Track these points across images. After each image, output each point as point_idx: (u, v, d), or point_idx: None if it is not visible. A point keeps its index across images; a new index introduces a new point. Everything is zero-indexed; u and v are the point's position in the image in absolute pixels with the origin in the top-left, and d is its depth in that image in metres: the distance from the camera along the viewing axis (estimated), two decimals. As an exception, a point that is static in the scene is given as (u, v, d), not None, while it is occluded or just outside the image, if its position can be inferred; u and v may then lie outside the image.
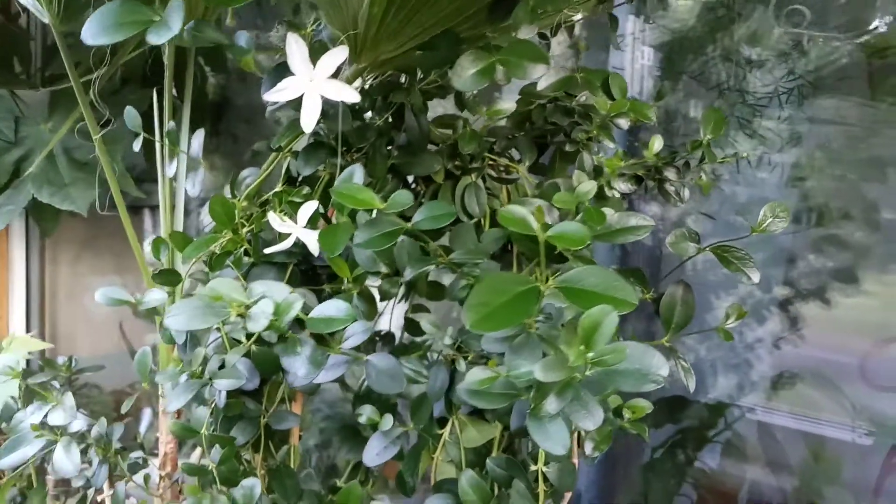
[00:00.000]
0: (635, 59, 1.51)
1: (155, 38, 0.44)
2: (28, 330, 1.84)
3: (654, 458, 1.17)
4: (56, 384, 1.33)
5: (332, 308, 0.46)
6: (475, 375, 0.44)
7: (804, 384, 1.16)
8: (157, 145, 0.85)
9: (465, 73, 0.48)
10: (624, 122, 0.64)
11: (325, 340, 0.54)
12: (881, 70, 1.05)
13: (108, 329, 1.91)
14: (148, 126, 0.81)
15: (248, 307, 0.41)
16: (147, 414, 0.83)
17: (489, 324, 0.42)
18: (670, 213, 1.17)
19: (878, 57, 1.04)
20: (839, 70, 1.07)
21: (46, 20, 0.86)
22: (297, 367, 0.48)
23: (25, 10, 1.21)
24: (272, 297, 0.42)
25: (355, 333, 0.52)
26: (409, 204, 0.48)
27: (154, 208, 1.79)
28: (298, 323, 0.50)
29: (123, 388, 1.72)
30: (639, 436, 0.64)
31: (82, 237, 1.88)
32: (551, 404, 0.44)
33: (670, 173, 0.67)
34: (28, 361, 1.66)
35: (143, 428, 0.84)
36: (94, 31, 0.46)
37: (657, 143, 0.59)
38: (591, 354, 0.40)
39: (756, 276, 0.67)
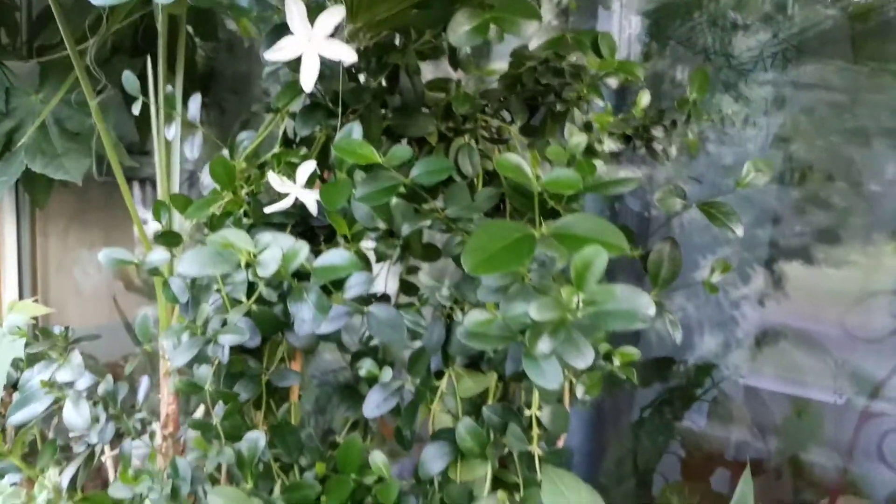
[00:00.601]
0: (623, 27, 1.52)
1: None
2: (21, 300, 1.85)
3: (642, 416, 1.21)
4: (53, 354, 1.35)
5: (336, 257, 0.49)
6: (474, 317, 0.47)
7: (787, 344, 1.20)
8: (153, 111, 0.86)
9: (460, 29, 0.50)
10: (613, 81, 0.66)
11: (327, 291, 0.56)
12: (862, 34, 1.07)
13: (99, 301, 1.92)
14: (141, 94, 0.82)
15: (255, 255, 0.43)
16: (145, 380, 0.85)
17: (487, 267, 0.44)
18: (659, 175, 1.19)
19: (860, 21, 1.06)
20: (823, 34, 1.09)
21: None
22: (304, 312, 0.50)
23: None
24: (279, 246, 0.44)
25: (356, 284, 0.55)
26: (408, 157, 0.50)
27: (143, 180, 1.80)
28: (302, 276, 0.52)
29: (118, 360, 1.74)
30: (630, 389, 0.67)
31: (72, 210, 1.89)
32: (544, 344, 0.47)
33: (658, 132, 0.69)
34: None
35: (142, 392, 0.85)
36: (100, -10, 0.47)
37: (645, 99, 0.61)
38: (582, 294, 0.43)
39: (740, 230, 0.70)
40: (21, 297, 1.83)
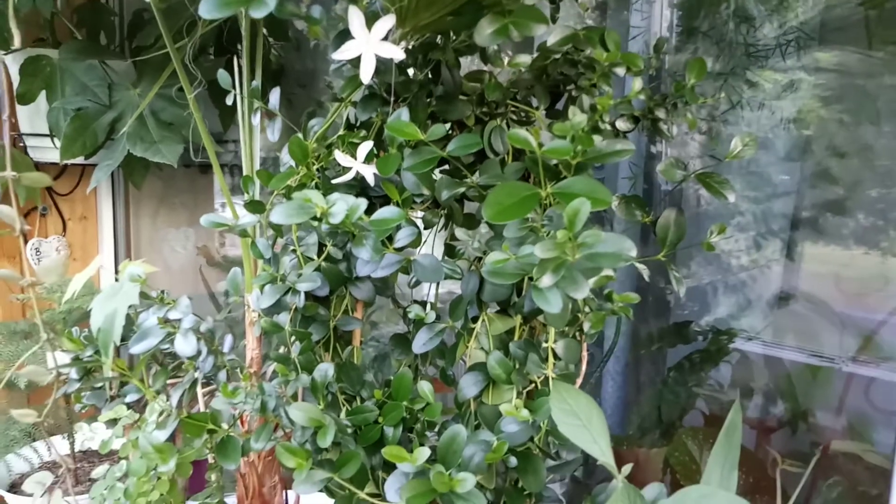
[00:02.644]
0: (662, 18, 1.62)
1: (257, 13, 0.60)
2: (116, 276, 2.08)
3: (668, 375, 1.32)
4: (166, 304, 1.55)
5: (387, 212, 0.63)
6: (493, 257, 0.61)
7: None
8: (238, 102, 1.03)
9: (485, 31, 0.64)
10: (620, 71, 0.79)
11: (385, 242, 0.71)
12: (877, 20, 1.15)
13: (184, 275, 2.14)
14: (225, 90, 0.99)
15: (327, 209, 0.58)
16: (229, 337, 1.01)
17: (503, 216, 0.58)
18: (685, 157, 1.30)
19: (872, 6, 1.14)
20: (837, 20, 1.18)
21: (148, -1, 1.04)
22: (364, 253, 0.65)
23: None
24: (345, 201, 0.59)
25: (404, 237, 0.69)
26: (443, 135, 0.64)
27: (223, 167, 2.00)
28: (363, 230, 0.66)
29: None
30: (655, 354, 0.79)
31: (160, 194, 2.11)
32: (548, 278, 0.60)
33: (661, 113, 0.81)
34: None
35: (227, 344, 1.02)
36: (210, 7, 0.63)
37: (638, 84, 0.74)
38: (573, 234, 0.56)
39: (732, 197, 0.82)
40: (116, 269, 2.07)
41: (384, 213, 0.64)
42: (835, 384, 1.22)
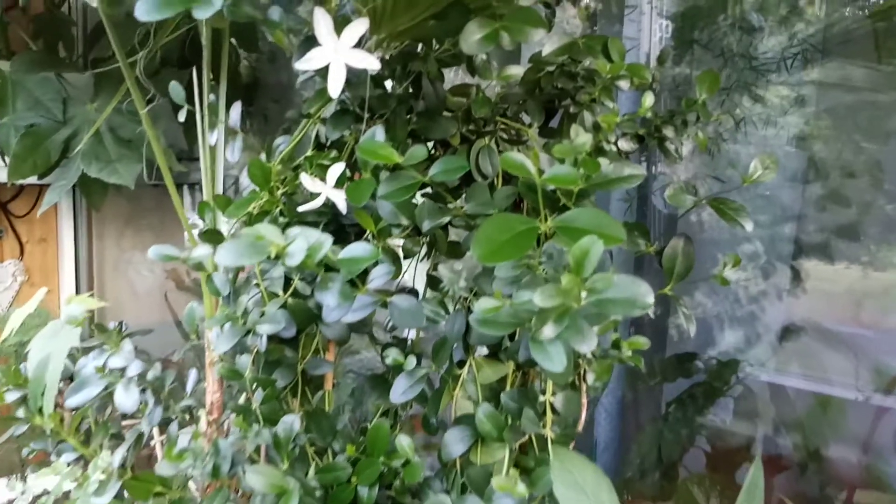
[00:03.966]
0: (653, 31, 1.55)
1: (200, 14, 0.50)
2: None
3: (667, 411, 1.23)
4: (106, 348, 1.43)
5: (359, 249, 0.53)
6: (484, 304, 0.51)
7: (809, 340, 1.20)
8: (199, 119, 0.93)
9: (472, 37, 0.54)
10: (624, 84, 0.70)
11: (354, 285, 0.61)
12: (886, 32, 1.08)
13: (152, 300, 2.02)
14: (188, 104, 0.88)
15: (284, 247, 0.48)
16: (193, 371, 0.91)
17: (495, 256, 0.48)
18: (682, 175, 1.21)
19: (881, 19, 1.07)
20: (844, 33, 1.10)
21: (94, 4, 0.94)
22: (329, 299, 0.55)
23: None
24: (306, 238, 0.49)
25: (379, 276, 0.59)
26: (423, 157, 0.55)
27: (192, 185, 1.89)
28: (330, 269, 0.56)
29: (169, 356, 1.83)
30: (652, 387, 0.70)
31: (125, 213, 1.99)
32: (549, 329, 0.51)
33: (668, 131, 0.72)
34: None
35: (190, 382, 0.92)
36: (148, 8, 0.53)
37: (649, 99, 0.65)
38: (582, 281, 0.46)
39: (749, 226, 0.73)
40: (77, 295, 1.94)
41: (355, 250, 0.54)
42: (854, 417, 1.13)
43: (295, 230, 0.50)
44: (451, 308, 0.76)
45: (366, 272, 0.59)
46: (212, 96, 0.84)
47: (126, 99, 1.32)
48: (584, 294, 0.49)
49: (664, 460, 1.19)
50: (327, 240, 0.49)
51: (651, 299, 0.51)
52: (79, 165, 1.30)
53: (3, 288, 1.84)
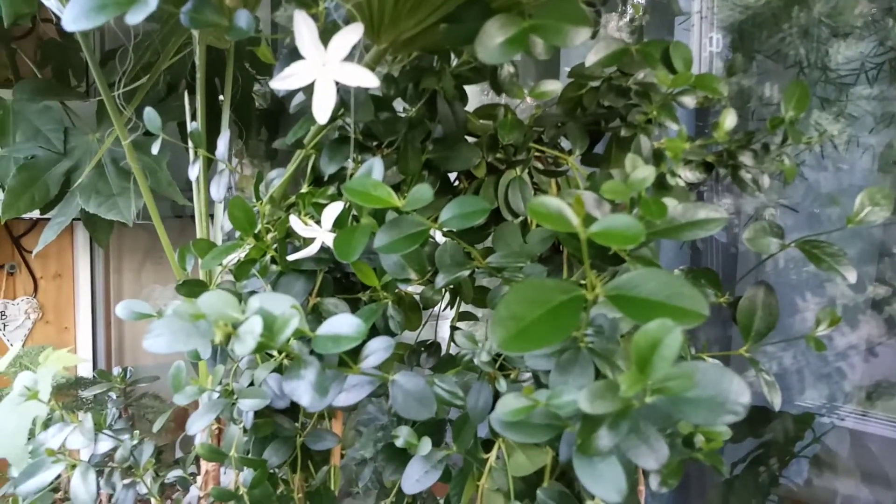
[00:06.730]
0: (703, 45, 1.39)
1: (133, 19, 0.38)
2: (94, 340, 1.87)
3: (733, 475, 1.06)
4: (112, 395, 1.32)
5: (342, 324, 0.40)
6: (507, 404, 0.37)
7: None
8: (191, 151, 0.81)
9: (492, 42, 0.40)
10: (689, 101, 0.55)
11: (345, 360, 0.48)
12: None
13: (169, 338, 1.92)
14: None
15: (235, 326, 0.35)
16: (178, 441, 0.79)
17: (521, 343, 0.34)
18: (746, 204, 1.05)
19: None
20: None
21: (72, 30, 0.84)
22: (300, 393, 0.41)
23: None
24: (268, 313, 0.36)
25: (376, 351, 0.46)
26: (428, 200, 0.41)
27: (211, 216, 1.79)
28: (307, 342, 0.44)
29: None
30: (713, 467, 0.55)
31: (144, 246, 1.90)
32: (602, 439, 0.36)
33: (746, 158, 0.57)
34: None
35: (177, 451, 0.80)
36: (75, 16, 0.41)
37: (730, 119, 0.50)
38: (649, 382, 0.32)
39: (852, 275, 0.57)
40: (94, 332, 1.85)
41: (336, 325, 0.40)
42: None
43: (255, 301, 0.37)
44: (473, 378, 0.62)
45: (357, 352, 0.46)
46: (193, 124, 0.72)
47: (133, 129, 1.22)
48: (653, 394, 0.34)
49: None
50: (294, 316, 0.36)
51: (747, 399, 0.36)
52: (78, 201, 1.20)
53: (15, 326, 1.75)
